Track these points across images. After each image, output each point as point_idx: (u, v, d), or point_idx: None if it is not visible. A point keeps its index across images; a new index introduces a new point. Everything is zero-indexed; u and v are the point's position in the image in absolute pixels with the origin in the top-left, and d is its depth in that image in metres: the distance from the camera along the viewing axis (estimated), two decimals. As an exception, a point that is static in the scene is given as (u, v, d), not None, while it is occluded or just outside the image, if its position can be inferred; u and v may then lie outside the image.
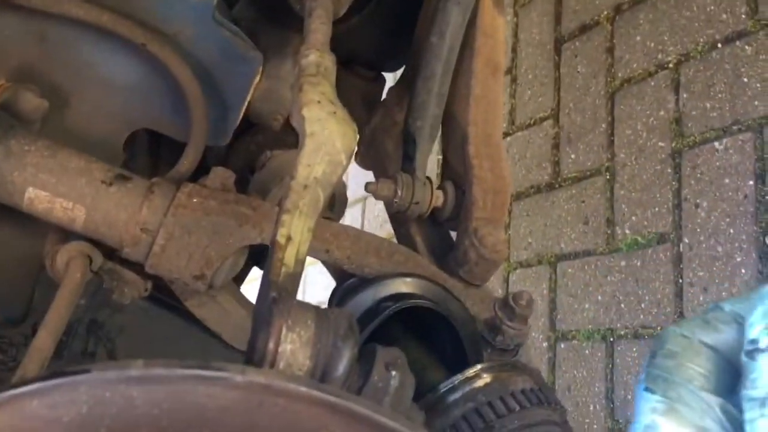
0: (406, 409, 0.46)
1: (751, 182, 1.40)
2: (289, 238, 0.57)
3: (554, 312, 1.80)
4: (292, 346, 0.44)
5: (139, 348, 1.01)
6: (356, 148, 0.64)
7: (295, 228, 0.58)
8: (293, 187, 0.61)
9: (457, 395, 0.69)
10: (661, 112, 1.62)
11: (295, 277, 0.55)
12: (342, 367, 0.44)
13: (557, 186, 1.87)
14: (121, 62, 0.82)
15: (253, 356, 0.45)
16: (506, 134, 2.08)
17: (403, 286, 0.76)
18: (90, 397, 0.40)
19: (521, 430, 0.66)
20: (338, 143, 0.63)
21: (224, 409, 0.41)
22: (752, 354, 0.47)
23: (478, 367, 0.72)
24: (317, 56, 0.69)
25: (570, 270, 1.78)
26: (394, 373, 0.46)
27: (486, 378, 0.70)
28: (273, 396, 0.42)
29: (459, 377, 0.70)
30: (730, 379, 0.51)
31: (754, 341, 0.47)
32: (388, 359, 0.46)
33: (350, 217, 2.75)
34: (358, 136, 0.64)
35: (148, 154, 1.08)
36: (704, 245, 1.47)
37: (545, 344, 1.80)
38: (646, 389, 0.52)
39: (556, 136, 1.91)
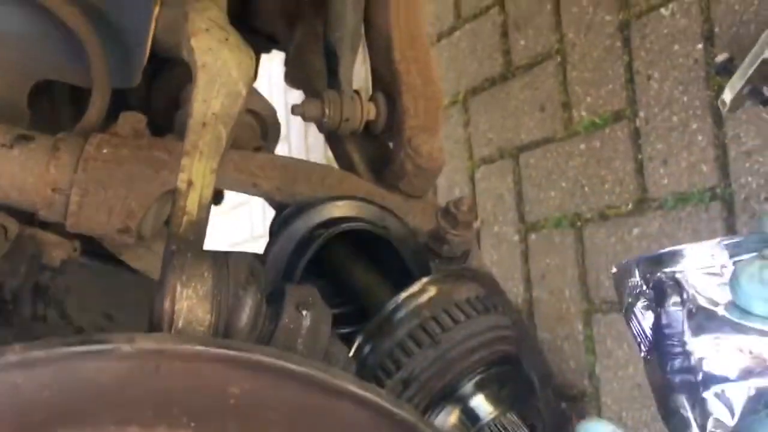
0: (324, 347, 0.44)
1: (700, 45, 1.36)
2: (190, 183, 0.53)
3: (521, 204, 1.79)
4: (189, 302, 0.41)
5: (90, 303, 0.99)
6: (254, 77, 0.60)
7: (197, 171, 0.54)
8: (191, 126, 0.57)
9: (402, 313, 0.68)
10: (605, -16, 1.56)
11: (200, 225, 0.52)
12: (245, 316, 0.42)
13: (510, 76, 1.83)
14: (6, 14, 0.76)
15: (153, 317, 0.43)
16: (453, 28, 2.01)
17: (336, 210, 0.73)
18: (-30, 389, 0.37)
19: (468, 340, 0.65)
20: (234, 72, 0.59)
21: (120, 381, 0.39)
22: None
23: (423, 281, 0.71)
24: (202, -21, 0.63)
25: (532, 160, 1.76)
26: (305, 312, 0.44)
27: (430, 292, 0.69)
28: (169, 360, 0.40)
29: (403, 294, 0.69)
30: None
31: None
32: (299, 299, 0.44)
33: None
34: (255, 62, 0.60)
35: (70, 103, 1.02)
36: (659, 117, 1.44)
37: (516, 237, 1.80)
38: None
39: (504, 23, 1.85)
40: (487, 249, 1.86)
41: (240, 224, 3.35)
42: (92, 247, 0.86)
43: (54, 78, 0.82)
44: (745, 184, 1.29)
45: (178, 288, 0.41)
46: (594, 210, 1.60)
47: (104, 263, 0.94)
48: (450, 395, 0.66)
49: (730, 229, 1.31)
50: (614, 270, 0.60)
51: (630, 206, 1.51)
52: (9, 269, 0.87)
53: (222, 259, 0.44)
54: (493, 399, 0.67)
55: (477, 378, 0.66)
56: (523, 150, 1.79)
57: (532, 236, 1.76)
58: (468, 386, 0.66)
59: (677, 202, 1.41)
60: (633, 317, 0.56)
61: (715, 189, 1.34)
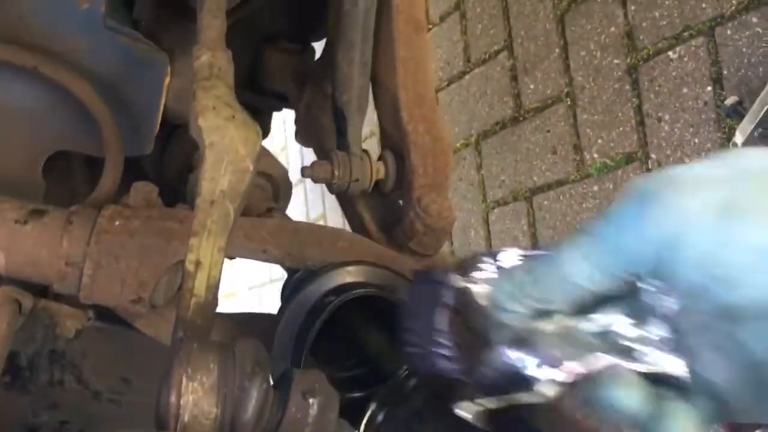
0: (332, 434, 0.44)
1: (709, 88, 1.36)
2: (198, 264, 0.54)
3: (536, 246, 1.78)
4: (195, 396, 0.41)
5: (107, 367, 0.99)
6: (259, 150, 0.60)
7: (204, 251, 0.55)
8: (199, 205, 0.57)
9: (414, 380, 0.67)
10: (612, 29, 1.57)
11: (207, 307, 0.52)
12: (251, 408, 0.42)
13: (521, 119, 1.84)
14: (19, 90, 0.78)
15: (159, 410, 0.43)
16: (463, 72, 2.03)
17: (347, 275, 0.73)
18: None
19: (482, 408, 0.64)
20: (241, 149, 0.59)
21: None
22: None
23: (435, 346, 0.70)
24: (209, 57, 0.65)
25: (546, 202, 1.76)
26: (311, 400, 0.44)
27: (442, 357, 0.68)
28: (175, 458, 0.40)
29: (415, 361, 0.68)
30: None
31: None
32: (305, 387, 0.44)
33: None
34: (261, 137, 0.61)
35: (86, 168, 1.04)
36: (671, 159, 1.44)
37: (532, 280, 1.79)
38: None
39: (513, 67, 1.86)
40: (503, 293, 1.85)
41: (259, 267, 3.37)
42: (106, 311, 0.87)
43: (67, 149, 0.84)
44: (761, 226, 1.27)
45: (184, 381, 0.41)
46: (609, 252, 1.58)
47: (119, 327, 0.94)
48: (465, 465, 0.65)
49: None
50: None
51: (646, 248, 1.50)
52: (25, 338, 0.88)
53: (228, 348, 0.44)
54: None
55: (492, 446, 0.65)
56: (537, 192, 1.79)
57: (549, 279, 1.75)
58: (483, 455, 0.65)
59: (693, 244, 1.40)
60: None
61: (730, 231, 1.32)
